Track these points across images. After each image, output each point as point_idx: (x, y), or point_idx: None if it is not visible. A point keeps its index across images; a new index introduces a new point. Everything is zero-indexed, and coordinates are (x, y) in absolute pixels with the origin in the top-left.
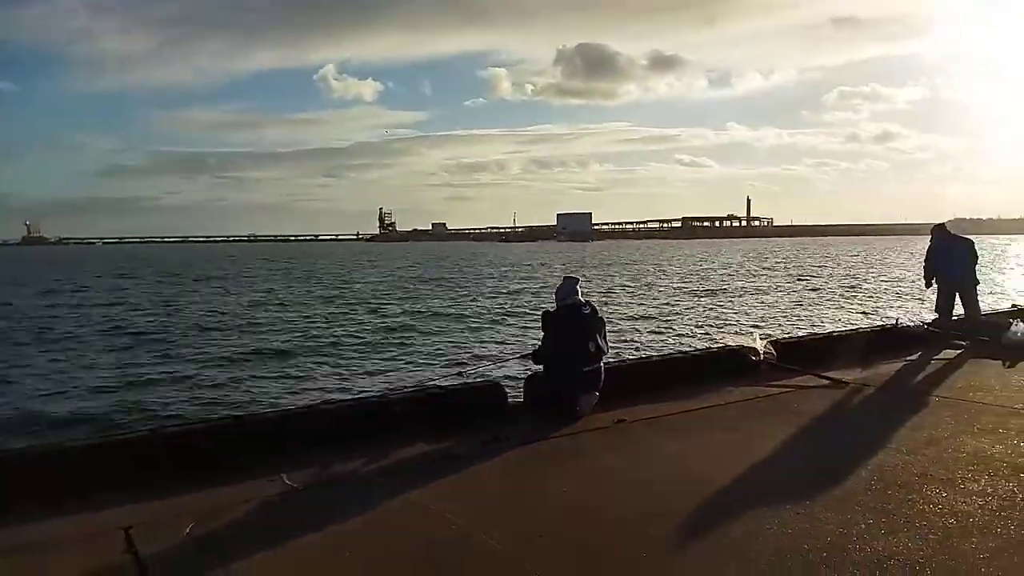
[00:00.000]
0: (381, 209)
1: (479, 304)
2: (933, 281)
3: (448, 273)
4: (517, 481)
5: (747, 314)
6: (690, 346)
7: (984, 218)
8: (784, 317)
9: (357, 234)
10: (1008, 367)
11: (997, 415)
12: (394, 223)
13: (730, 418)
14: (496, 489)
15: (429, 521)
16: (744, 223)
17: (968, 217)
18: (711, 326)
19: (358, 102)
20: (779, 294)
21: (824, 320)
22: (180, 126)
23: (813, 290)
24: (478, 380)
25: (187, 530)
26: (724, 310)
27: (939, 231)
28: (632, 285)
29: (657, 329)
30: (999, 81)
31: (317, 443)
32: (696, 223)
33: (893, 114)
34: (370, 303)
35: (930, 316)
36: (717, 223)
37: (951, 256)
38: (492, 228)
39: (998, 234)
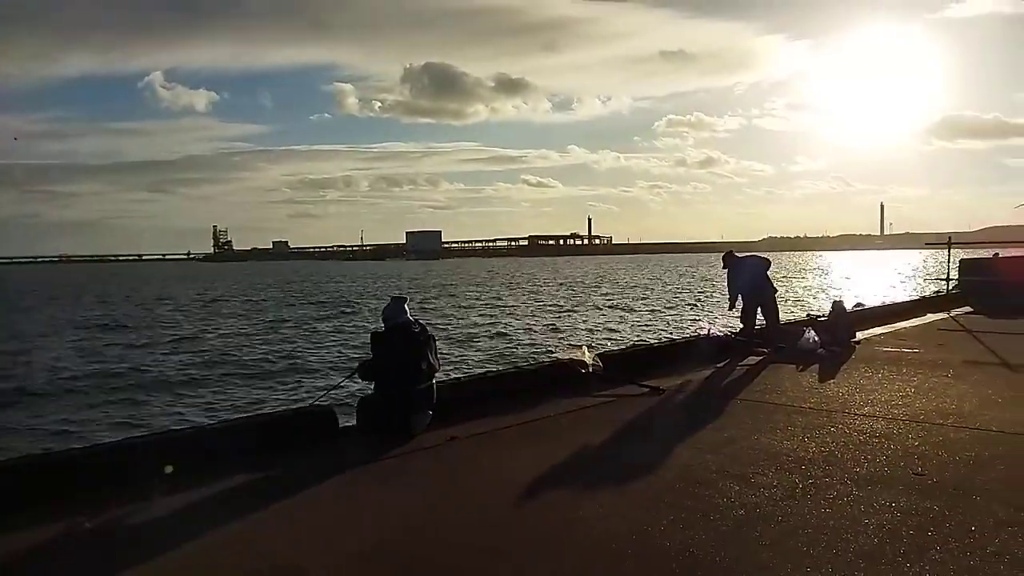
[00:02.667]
0: (216, 227)
1: (312, 327)
2: (739, 299)
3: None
4: (345, 505)
5: (579, 328)
6: (525, 361)
7: (792, 236)
8: (612, 330)
9: (188, 253)
10: (800, 370)
11: (787, 414)
12: (230, 241)
13: (558, 429)
14: (323, 514)
15: (250, 553)
16: (586, 241)
17: (779, 236)
18: (545, 340)
19: (188, 113)
20: (609, 309)
21: (647, 332)
22: None
23: (640, 303)
24: (307, 405)
25: None
26: (558, 324)
27: (731, 256)
28: (472, 302)
29: (494, 345)
30: (803, 115)
31: (128, 480)
32: (542, 241)
33: (715, 141)
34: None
35: (736, 326)
36: (561, 241)
37: (749, 275)
38: (338, 246)
39: (804, 250)
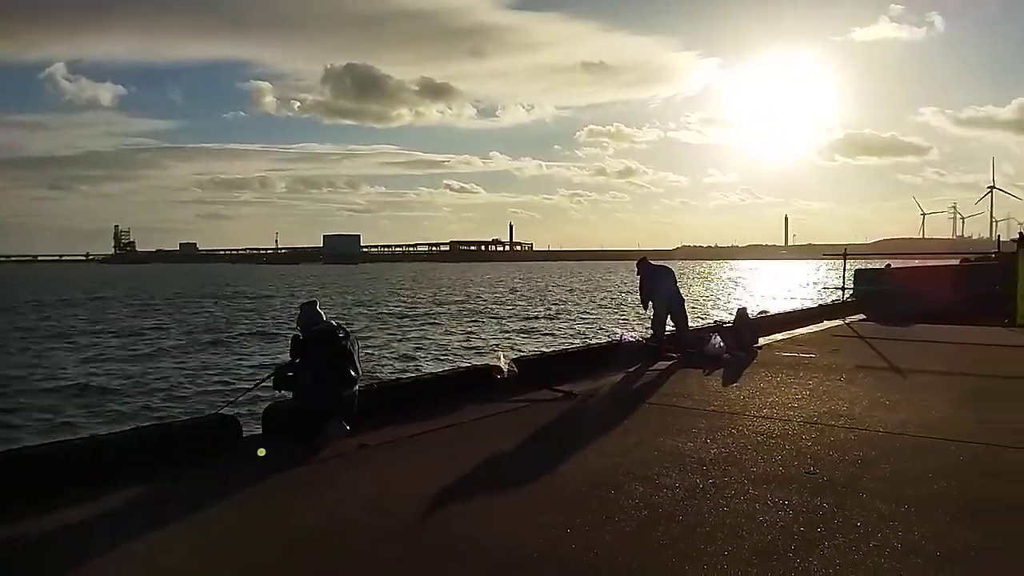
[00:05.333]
0: (117, 227)
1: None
2: (649, 304)
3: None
4: (248, 517)
5: (493, 333)
6: (440, 366)
7: (704, 245)
8: (527, 335)
9: (87, 255)
10: (706, 375)
11: (692, 417)
12: (133, 242)
13: (471, 434)
14: (224, 527)
15: (146, 570)
16: (507, 248)
17: (692, 244)
18: (460, 345)
19: (92, 106)
20: (524, 314)
21: (561, 337)
22: None
23: (554, 310)
24: (207, 413)
25: None
26: (473, 330)
27: (645, 264)
28: (384, 308)
29: (409, 350)
30: (716, 129)
31: (10, 495)
32: (463, 247)
33: (633, 152)
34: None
35: (648, 332)
36: (483, 247)
37: (660, 282)
38: (251, 249)
39: (715, 259)
